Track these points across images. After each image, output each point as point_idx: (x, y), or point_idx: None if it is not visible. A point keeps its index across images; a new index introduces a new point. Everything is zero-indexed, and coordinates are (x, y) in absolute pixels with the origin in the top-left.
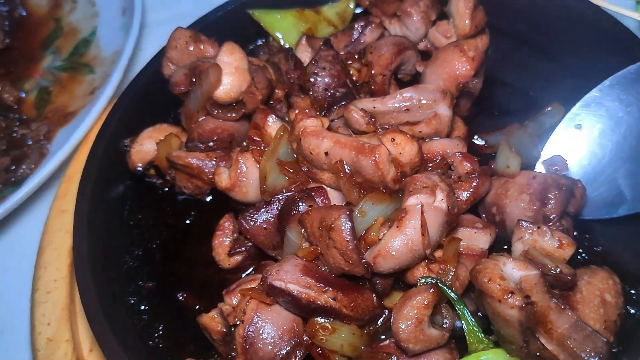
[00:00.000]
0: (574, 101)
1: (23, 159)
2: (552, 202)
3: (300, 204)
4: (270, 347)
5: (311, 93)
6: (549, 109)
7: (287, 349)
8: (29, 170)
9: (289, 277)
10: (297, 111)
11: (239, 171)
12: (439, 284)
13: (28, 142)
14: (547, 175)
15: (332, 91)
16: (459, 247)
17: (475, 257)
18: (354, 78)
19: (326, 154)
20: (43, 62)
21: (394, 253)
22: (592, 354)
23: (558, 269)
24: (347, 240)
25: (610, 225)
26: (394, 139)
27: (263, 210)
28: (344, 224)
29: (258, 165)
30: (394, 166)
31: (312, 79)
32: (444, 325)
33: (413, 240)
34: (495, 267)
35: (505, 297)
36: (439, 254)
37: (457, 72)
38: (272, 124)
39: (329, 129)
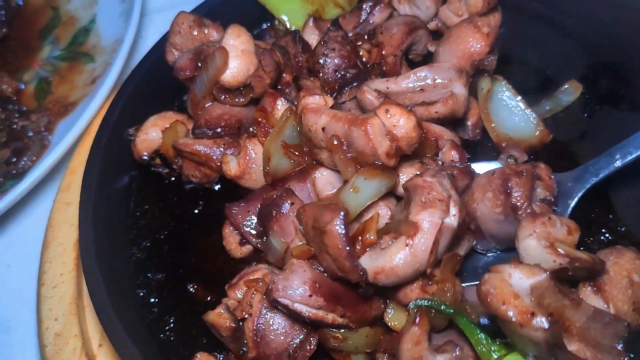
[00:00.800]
0: (591, 79)
1: (24, 151)
2: (516, 190)
3: (283, 203)
4: (282, 338)
5: (321, 75)
6: (565, 86)
7: (301, 337)
8: (30, 162)
9: (297, 296)
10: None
11: (247, 158)
12: (434, 305)
13: (29, 134)
14: (504, 167)
15: (342, 72)
16: (458, 264)
17: None
18: (364, 59)
19: (323, 129)
20: (42, 52)
21: (398, 272)
22: (616, 339)
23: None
24: (339, 248)
25: (634, 205)
26: (388, 110)
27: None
28: (337, 228)
29: None
30: (389, 140)
31: (321, 61)
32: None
33: (421, 260)
34: (503, 283)
35: (528, 319)
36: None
37: (472, 50)
38: (282, 108)
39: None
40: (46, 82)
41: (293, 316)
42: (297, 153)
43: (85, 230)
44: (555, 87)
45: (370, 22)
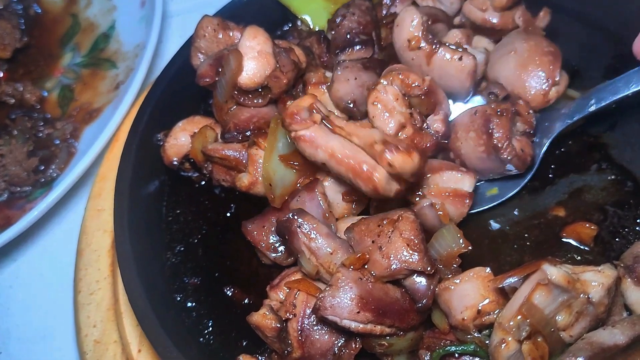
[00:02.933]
0: (617, 70)
1: (51, 159)
2: (496, 130)
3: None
4: (327, 337)
5: (332, 33)
6: None
7: (345, 336)
8: (59, 170)
9: (345, 313)
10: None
11: (255, 166)
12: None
13: (55, 142)
14: (486, 105)
15: (352, 36)
16: None
17: (463, 199)
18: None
19: (323, 164)
20: (63, 59)
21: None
22: None
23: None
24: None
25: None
26: (391, 165)
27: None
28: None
29: None
30: (396, 181)
31: (337, 20)
32: None
33: None
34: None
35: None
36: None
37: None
38: None
39: (333, 71)
40: (69, 89)
41: (341, 331)
42: (296, 163)
43: (121, 236)
44: (581, 79)
45: (392, 11)
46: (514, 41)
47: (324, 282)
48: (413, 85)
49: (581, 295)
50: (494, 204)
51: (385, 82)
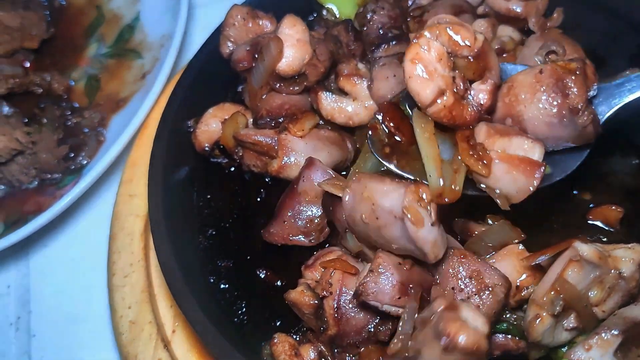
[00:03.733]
0: None
1: (81, 147)
2: (574, 89)
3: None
4: (362, 315)
5: (365, 29)
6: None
7: (381, 315)
8: (88, 157)
9: (387, 299)
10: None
11: (284, 151)
12: None
13: (84, 130)
14: (552, 64)
15: (385, 31)
16: None
17: (535, 168)
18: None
19: None
20: (88, 50)
21: None
22: None
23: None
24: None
25: None
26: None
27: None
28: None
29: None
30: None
31: (368, 15)
32: None
33: None
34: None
35: None
36: None
37: None
38: (325, 100)
39: (371, 70)
40: (95, 79)
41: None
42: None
43: (156, 220)
44: (604, 66)
45: (418, 4)
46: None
47: (366, 260)
48: (462, 44)
49: (612, 271)
50: (550, 182)
51: (429, 35)
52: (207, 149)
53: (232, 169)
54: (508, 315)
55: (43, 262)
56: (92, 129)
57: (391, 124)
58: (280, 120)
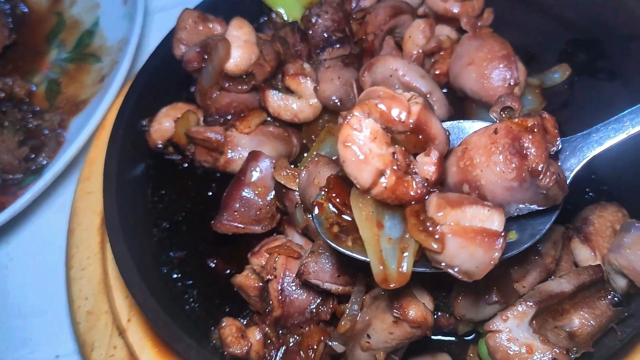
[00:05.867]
0: (570, 53)
1: (41, 148)
2: (532, 149)
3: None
4: (305, 296)
5: (310, 33)
6: (556, 67)
7: (322, 295)
8: (48, 158)
9: (327, 277)
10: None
11: (229, 147)
12: None
13: (44, 132)
14: (506, 122)
15: (329, 34)
16: None
17: (494, 239)
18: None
19: None
20: (49, 55)
21: None
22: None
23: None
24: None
25: (614, 166)
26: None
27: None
28: None
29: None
30: None
31: (313, 19)
32: None
33: None
34: (511, 340)
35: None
36: None
37: None
38: (272, 98)
39: (316, 72)
40: (56, 83)
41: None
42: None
43: (111, 215)
44: (537, 63)
45: (361, 6)
46: (469, 51)
47: (310, 239)
48: (396, 119)
49: None
50: (517, 251)
51: (359, 114)
52: (160, 146)
53: (185, 165)
54: None
55: (4, 258)
56: (52, 130)
57: (337, 200)
58: (228, 117)
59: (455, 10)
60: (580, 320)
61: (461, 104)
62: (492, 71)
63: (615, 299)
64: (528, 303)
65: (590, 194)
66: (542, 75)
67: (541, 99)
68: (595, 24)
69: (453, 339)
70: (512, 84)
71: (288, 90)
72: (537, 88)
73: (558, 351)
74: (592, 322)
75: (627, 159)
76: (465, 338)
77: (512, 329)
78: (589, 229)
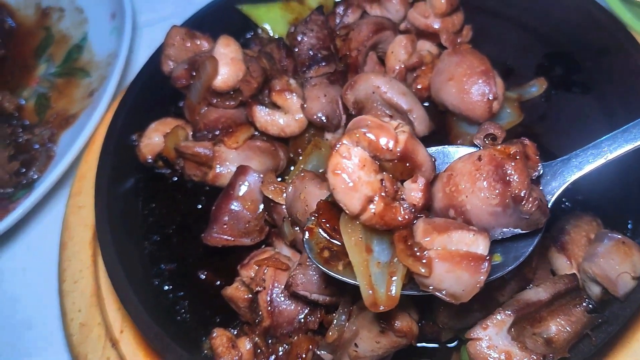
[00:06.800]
0: (546, 67)
1: (32, 162)
2: (514, 176)
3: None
4: (293, 307)
5: (296, 50)
6: (533, 81)
7: (310, 305)
8: (39, 172)
9: (315, 288)
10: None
11: (217, 161)
12: None
13: (35, 147)
14: (490, 149)
15: (315, 52)
16: None
17: (479, 263)
18: (337, 48)
19: None
20: (38, 69)
21: None
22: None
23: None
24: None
25: (589, 177)
26: None
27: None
28: None
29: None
30: None
31: (299, 37)
32: None
33: None
34: (491, 347)
35: None
36: None
37: None
38: (259, 113)
39: (303, 89)
40: (45, 97)
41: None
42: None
43: (103, 229)
44: (515, 77)
45: (345, 22)
46: (449, 67)
47: (298, 247)
48: (383, 147)
49: None
50: (501, 274)
51: (348, 143)
52: (150, 160)
53: (175, 179)
54: None
55: None
56: (42, 145)
57: (327, 225)
58: (216, 133)
59: (436, 26)
60: (557, 327)
61: (443, 118)
62: (471, 86)
63: (590, 306)
64: (506, 312)
65: (566, 203)
66: (520, 89)
67: (519, 112)
68: (571, 39)
69: (437, 345)
70: (490, 98)
71: (275, 106)
72: (516, 101)
73: (535, 357)
74: (568, 328)
75: (601, 170)
76: (448, 345)
77: (491, 336)
78: (565, 238)
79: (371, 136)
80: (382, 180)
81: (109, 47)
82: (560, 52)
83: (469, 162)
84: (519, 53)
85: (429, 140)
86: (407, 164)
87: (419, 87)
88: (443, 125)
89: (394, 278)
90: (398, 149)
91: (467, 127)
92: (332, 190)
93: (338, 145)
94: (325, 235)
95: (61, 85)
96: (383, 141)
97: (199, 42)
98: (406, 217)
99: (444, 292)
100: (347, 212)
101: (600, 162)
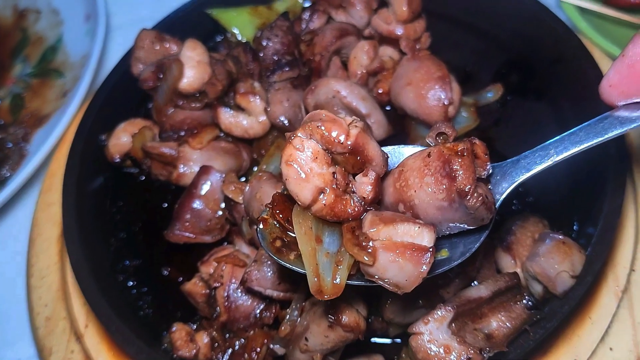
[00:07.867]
0: (503, 73)
1: (5, 160)
2: (460, 172)
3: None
4: (249, 302)
5: (261, 55)
6: (489, 87)
7: (266, 301)
8: (12, 170)
9: (269, 284)
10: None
11: (181, 162)
12: None
13: (8, 145)
14: (439, 147)
15: (279, 57)
16: None
17: (422, 254)
18: (302, 53)
19: None
20: (13, 70)
21: None
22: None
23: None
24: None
25: (539, 179)
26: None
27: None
28: None
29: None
30: None
31: (264, 42)
32: None
33: None
34: (432, 341)
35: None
36: None
37: None
38: (223, 115)
39: (267, 93)
40: (20, 97)
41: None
42: None
43: (69, 225)
44: (473, 82)
45: (310, 28)
46: (407, 73)
47: (257, 248)
48: (335, 141)
49: None
50: (447, 268)
51: (302, 135)
52: (117, 160)
53: (142, 178)
54: None
55: None
56: (16, 144)
57: (280, 216)
58: (182, 133)
59: (399, 33)
60: (497, 323)
61: (402, 121)
62: (428, 91)
63: (530, 303)
64: (447, 307)
65: (517, 205)
66: (476, 95)
67: (475, 117)
68: (527, 47)
69: (388, 341)
70: (446, 103)
71: (239, 108)
72: (472, 106)
73: (472, 351)
74: (508, 324)
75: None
76: (397, 340)
77: (432, 331)
78: (511, 238)
79: (324, 129)
80: (334, 172)
81: (83, 48)
82: (517, 59)
83: (419, 158)
84: (478, 59)
85: (388, 143)
86: (359, 158)
87: (380, 91)
88: (402, 128)
89: (340, 267)
90: (349, 143)
91: (425, 131)
92: (284, 180)
93: (292, 137)
94: (278, 225)
95: (36, 86)
96: (334, 134)
97: (168, 45)
98: (356, 209)
99: (387, 282)
100: (298, 202)
101: (547, 163)
